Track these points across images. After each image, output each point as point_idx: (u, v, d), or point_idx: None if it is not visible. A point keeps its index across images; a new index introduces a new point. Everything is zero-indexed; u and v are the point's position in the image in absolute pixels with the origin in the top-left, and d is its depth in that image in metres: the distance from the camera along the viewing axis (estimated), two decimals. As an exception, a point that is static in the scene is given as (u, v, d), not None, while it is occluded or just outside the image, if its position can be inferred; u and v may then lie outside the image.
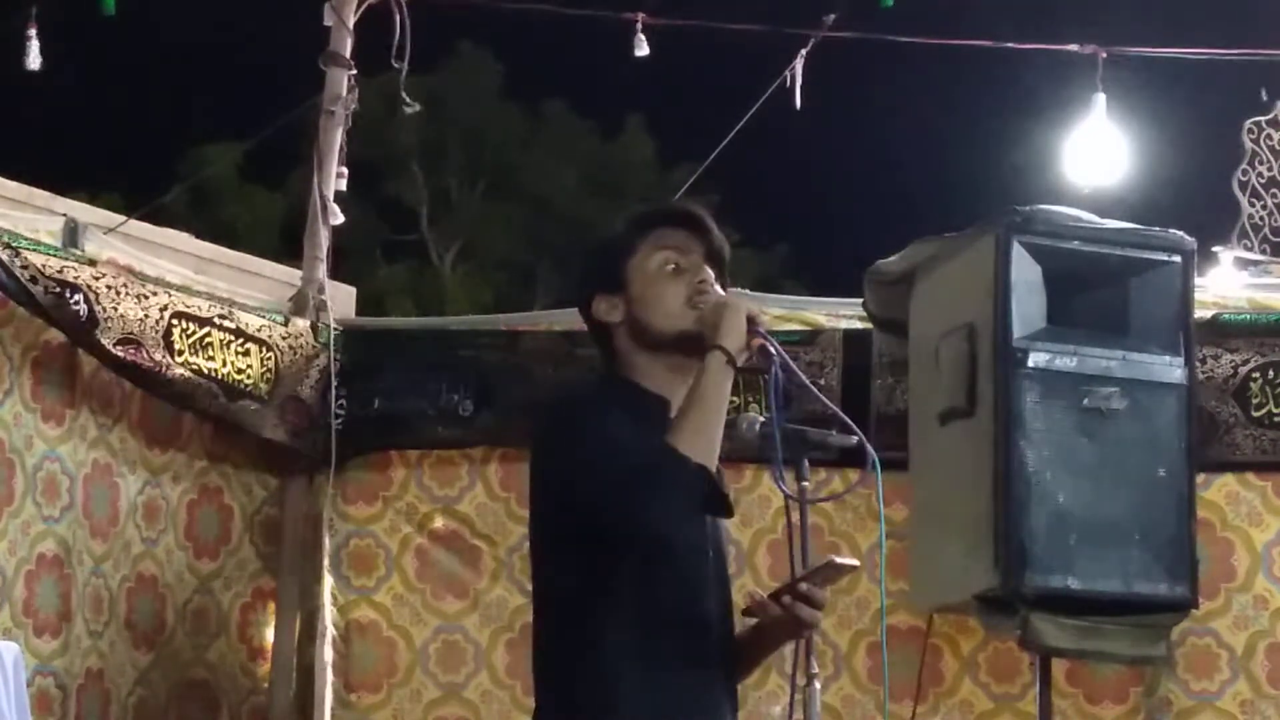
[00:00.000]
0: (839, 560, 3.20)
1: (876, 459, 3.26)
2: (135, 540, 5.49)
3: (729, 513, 3.29)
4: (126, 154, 21.86)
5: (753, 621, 3.27)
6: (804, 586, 3.15)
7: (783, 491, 3.21)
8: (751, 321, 3.17)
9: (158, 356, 5.22)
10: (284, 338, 5.74)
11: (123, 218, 7.15)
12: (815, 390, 3.25)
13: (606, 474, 3.05)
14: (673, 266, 3.26)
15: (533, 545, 3.31)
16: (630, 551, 3.10)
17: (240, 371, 5.54)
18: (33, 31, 7.04)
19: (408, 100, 6.38)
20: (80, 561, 5.23)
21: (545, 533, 3.24)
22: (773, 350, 3.18)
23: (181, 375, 5.34)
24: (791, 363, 3.20)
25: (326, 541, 5.94)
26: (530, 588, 3.38)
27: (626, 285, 3.27)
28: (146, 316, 5.19)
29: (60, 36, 7.24)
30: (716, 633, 3.22)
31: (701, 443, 3.09)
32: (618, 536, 3.08)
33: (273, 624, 5.90)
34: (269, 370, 5.67)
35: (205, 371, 5.43)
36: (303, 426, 5.80)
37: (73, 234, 5.45)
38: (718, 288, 3.26)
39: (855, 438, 3.31)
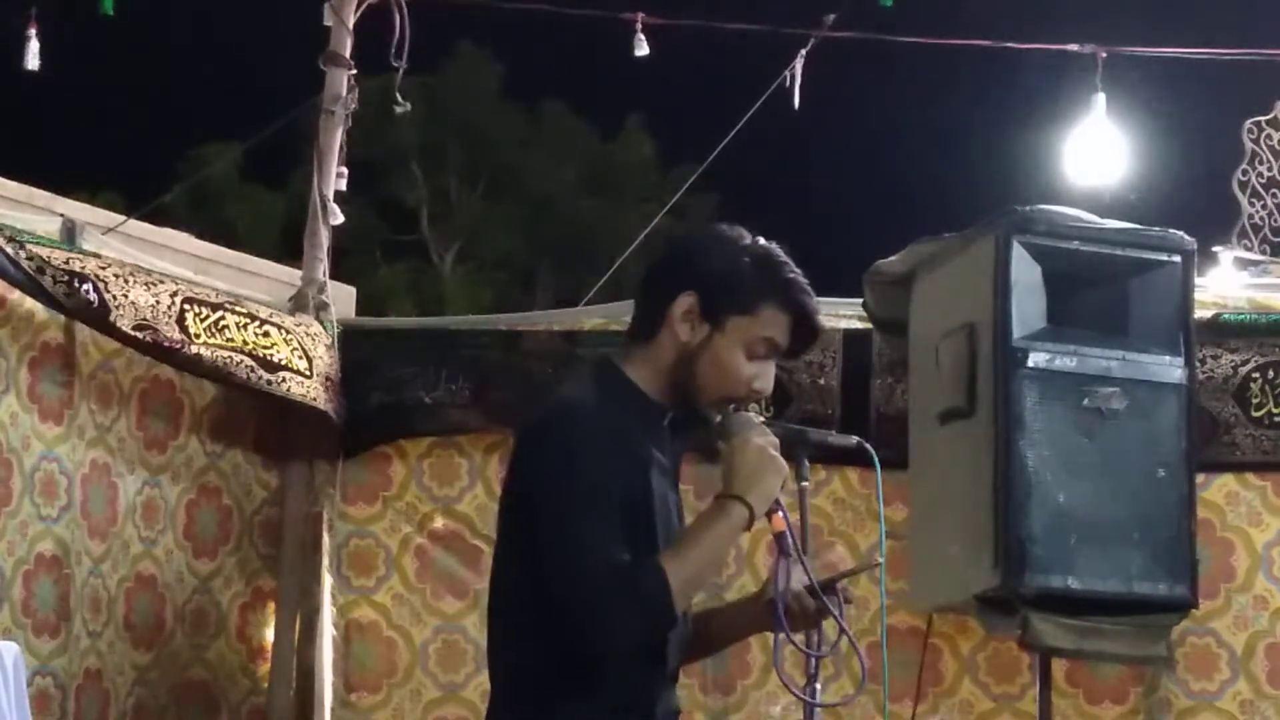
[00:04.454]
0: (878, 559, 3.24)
1: (876, 458, 3.25)
2: (134, 540, 5.48)
3: (664, 663, 3.23)
4: (126, 154, 21.87)
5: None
6: (842, 584, 3.19)
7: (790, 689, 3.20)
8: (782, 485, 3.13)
9: (175, 336, 5.16)
10: (297, 324, 5.73)
11: (123, 217, 7.17)
12: (812, 576, 3.18)
13: (591, 562, 2.97)
14: (760, 355, 3.17)
15: (501, 556, 3.22)
16: (579, 646, 3.03)
17: (266, 349, 5.46)
18: (33, 31, 7.06)
19: (400, 100, 6.38)
20: (79, 561, 5.22)
21: (518, 560, 3.14)
22: (790, 542, 3.13)
23: (208, 354, 5.25)
24: (801, 552, 3.16)
25: (326, 541, 5.93)
26: None
27: (719, 328, 3.15)
28: (158, 303, 5.14)
29: (60, 36, 7.24)
30: (679, 635, 3.22)
31: (691, 586, 3.06)
32: (576, 632, 3.01)
33: (272, 624, 5.89)
34: (298, 348, 5.61)
35: (229, 348, 5.33)
36: (342, 410, 5.79)
37: (70, 234, 5.44)
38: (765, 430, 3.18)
39: (855, 438, 3.30)
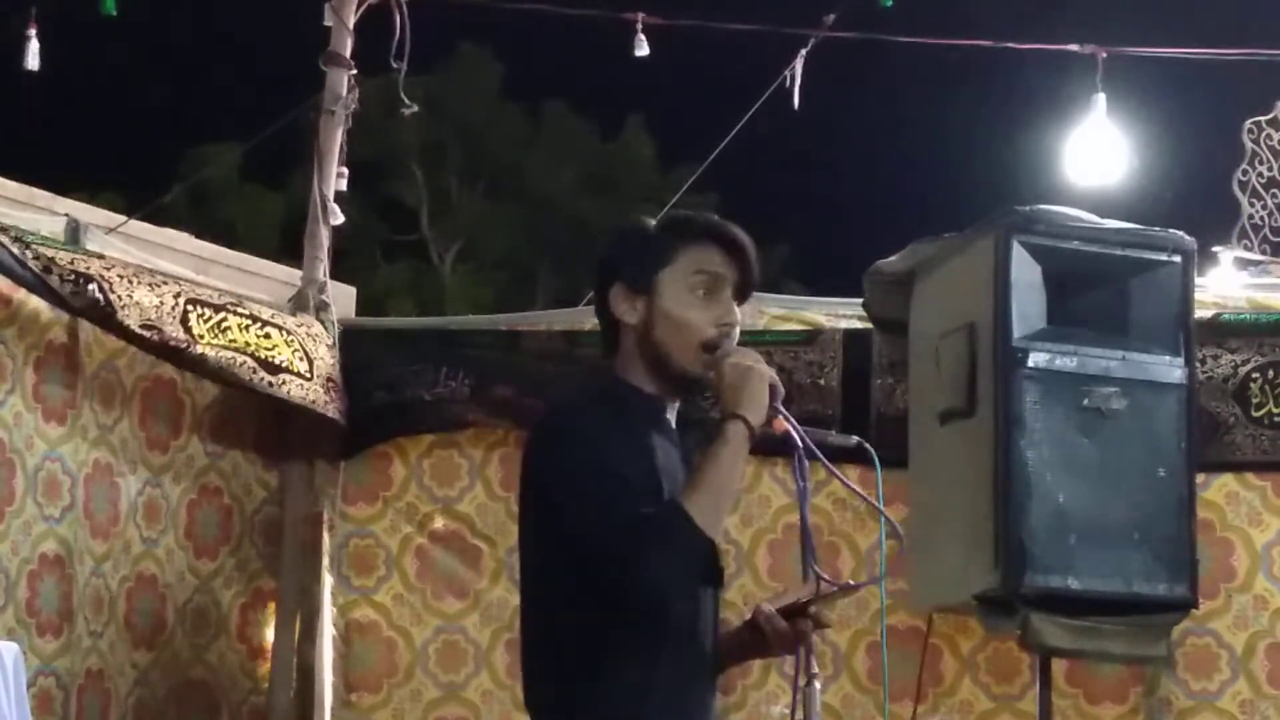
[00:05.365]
0: (853, 584, 3.27)
1: (877, 458, 3.25)
2: (135, 540, 5.49)
3: (721, 587, 3.26)
4: (126, 154, 21.87)
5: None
6: (815, 609, 3.16)
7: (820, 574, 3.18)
8: (773, 391, 3.12)
9: (180, 335, 5.18)
10: (299, 325, 5.73)
11: (123, 218, 7.16)
12: (834, 470, 3.19)
13: (612, 518, 2.99)
14: (703, 292, 3.19)
15: (525, 552, 3.24)
16: (624, 603, 3.03)
17: (269, 350, 5.48)
18: (33, 31, 7.05)
19: (406, 101, 6.39)
20: (81, 561, 5.23)
21: (543, 547, 3.16)
22: (796, 437, 3.13)
23: (212, 354, 5.27)
24: (811, 444, 3.14)
25: (326, 541, 5.94)
26: None
27: (653, 293, 3.19)
28: (162, 303, 5.15)
29: (60, 36, 7.24)
30: (710, 640, 3.23)
31: (713, 512, 3.06)
32: (614, 588, 3.02)
33: (272, 624, 5.90)
34: (299, 350, 5.63)
35: (233, 349, 5.35)
36: (344, 410, 5.80)
37: (74, 234, 5.45)
38: (734, 338, 3.20)
39: (855, 438, 3.30)
